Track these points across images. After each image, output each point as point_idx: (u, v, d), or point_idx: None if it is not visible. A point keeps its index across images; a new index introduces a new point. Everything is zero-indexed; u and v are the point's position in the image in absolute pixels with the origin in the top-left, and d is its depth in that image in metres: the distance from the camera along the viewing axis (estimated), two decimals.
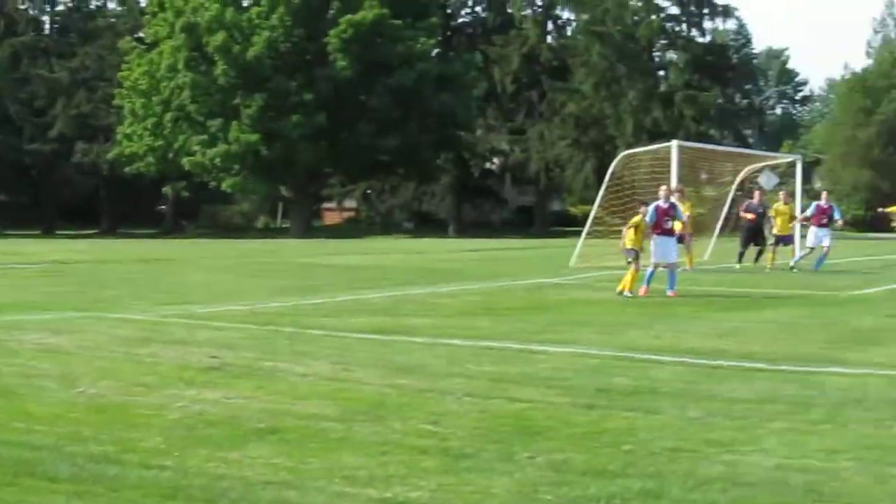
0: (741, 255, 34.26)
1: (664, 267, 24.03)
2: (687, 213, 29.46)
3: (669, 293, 23.48)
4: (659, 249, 24.07)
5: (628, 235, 24.08)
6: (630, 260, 23.95)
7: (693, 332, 17.31)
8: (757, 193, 36.91)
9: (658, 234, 24.10)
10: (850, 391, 11.83)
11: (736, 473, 8.38)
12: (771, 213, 34.63)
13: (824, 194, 35.20)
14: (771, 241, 34.27)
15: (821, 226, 33.56)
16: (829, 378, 12.75)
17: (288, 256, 44.36)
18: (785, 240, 34.14)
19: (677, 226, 24.45)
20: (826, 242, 33.18)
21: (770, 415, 10.57)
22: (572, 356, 14.50)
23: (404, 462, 8.66)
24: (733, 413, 10.67)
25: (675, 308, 21.28)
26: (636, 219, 24.06)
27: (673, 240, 24.55)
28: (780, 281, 28.70)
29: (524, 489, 7.95)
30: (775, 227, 34.24)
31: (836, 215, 34.73)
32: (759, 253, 33.83)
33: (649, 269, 24.00)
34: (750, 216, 34.38)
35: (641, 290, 23.46)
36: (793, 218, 34.84)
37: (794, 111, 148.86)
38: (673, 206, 24.65)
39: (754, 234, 34.35)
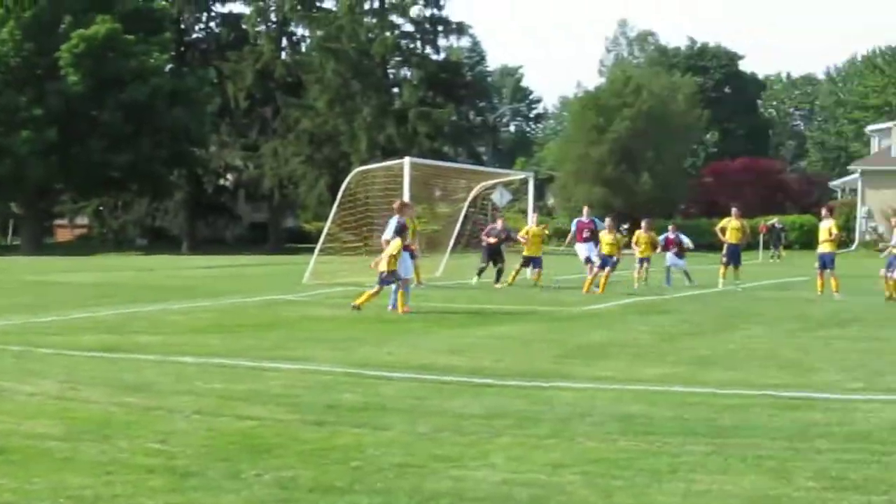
0: (481, 271, 34.74)
1: (399, 282, 24.09)
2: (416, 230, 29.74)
3: (393, 308, 23.65)
4: (402, 265, 24.19)
5: (389, 262, 23.93)
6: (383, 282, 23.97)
7: (425, 348, 17.39)
8: (500, 220, 37.44)
9: (403, 250, 24.25)
10: (578, 405, 12.03)
11: (463, 488, 8.39)
12: (522, 234, 34.90)
13: (585, 209, 35.73)
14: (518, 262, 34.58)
15: (584, 241, 34.13)
16: (558, 393, 12.96)
17: (18, 274, 42.91)
18: (534, 261, 34.45)
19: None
20: (584, 255, 33.77)
21: (498, 430, 10.66)
22: (303, 373, 14.39)
23: (131, 481, 8.42)
24: (462, 428, 10.72)
25: (408, 324, 21.36)
26: (398, 244, 24.04)
27: (407, 255, 24.75)
28: (513, 297, 29.16)
29: None
30: (526, 249, 34.53)
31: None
32: (499, 273, 34.19)
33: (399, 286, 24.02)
34: (492, 240, 34.87)
35: (404, 308, 23.57)
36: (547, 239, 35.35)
37: (528, 129, 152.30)
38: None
39: (495, 255, 34.78)
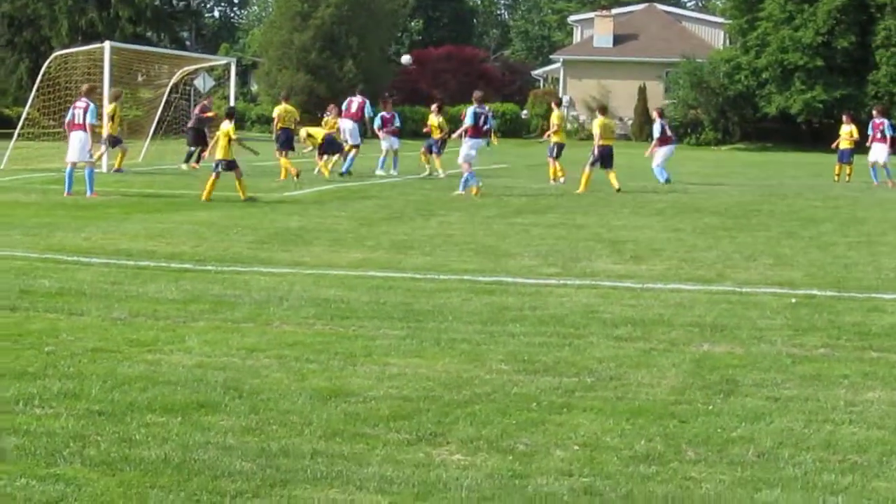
0: (190, 156, 34.47)
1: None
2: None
3: (91, 194, 23.26)
4: (82, 149, 23.69)
5: (221, 145, 23.39)
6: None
7: (123, 234, 17.12)
8: (203, 103, 37.00)
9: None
10: (275, 290, 12.08)
11: (157, 372, 8.36)
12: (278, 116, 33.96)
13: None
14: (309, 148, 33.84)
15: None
16: (255, 277, 12.99)
17: None
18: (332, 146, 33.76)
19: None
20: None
21: (194, 314, 10.64)
22: None
23: None
24: (158, 313, 10.65)
25: (106, 210, 20.93)
26: (229, 128, 23.58)
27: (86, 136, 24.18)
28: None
29: None
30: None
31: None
32: (199, 154, 33.83)
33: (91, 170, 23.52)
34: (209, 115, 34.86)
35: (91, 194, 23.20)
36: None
37: (233, 14, 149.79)
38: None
39: (201, 136, 34.42)
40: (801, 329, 10.52)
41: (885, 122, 34.32)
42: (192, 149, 34.87)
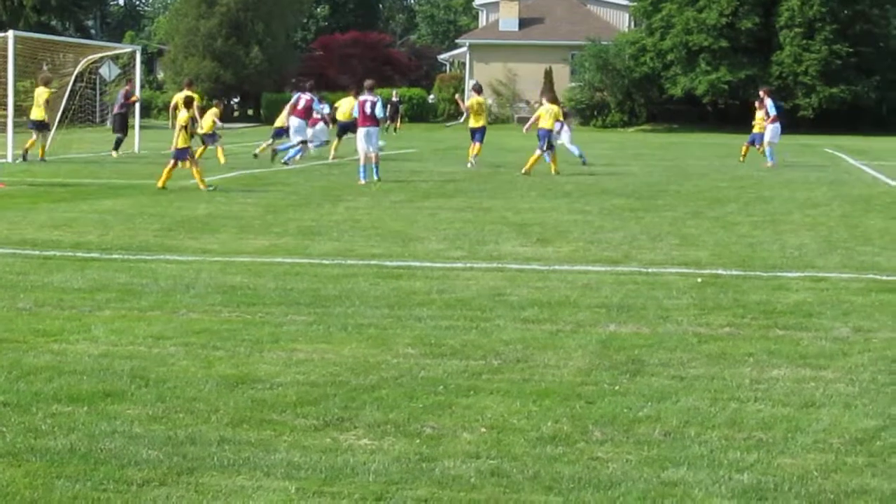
0: (119, 143, 35.17)
1: None
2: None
3: None
4: None
5: (182, 136, 23.28)
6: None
7: (28, 224, 16.91)
8: (126, 88, 37.18)
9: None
10: (182, 278, 12.01)
11: (63, 362, 8.28)
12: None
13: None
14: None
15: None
16: (162, 265, 12.89)
17: None
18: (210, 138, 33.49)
19: None
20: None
21: (100, 303, 10.54)
22: None
23: None
24: (64, 303, 10.55)
25: (10, 200, 20.63)
26: (186, 117, 23.49)
27: None
28: (119, 171, 28.59)
29: None
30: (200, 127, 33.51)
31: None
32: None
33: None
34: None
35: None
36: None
37: (138, 2, 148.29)
38: None
39: (126, 122, 35.01)
40: (706, 308, 10.66)
41: (769, 102, 34.88)
42: (120, 135, 35.23)
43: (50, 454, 6.24)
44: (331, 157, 33.33)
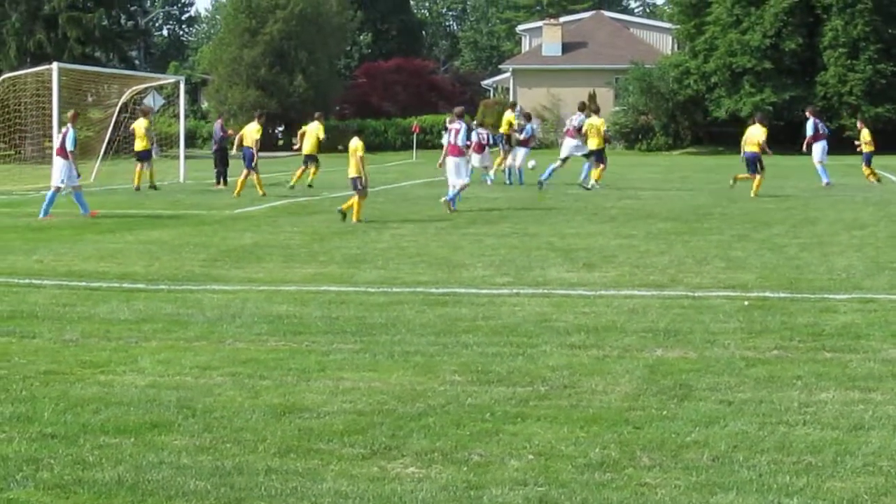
0: (220, 176, 34.68)
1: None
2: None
3: (44, 216, 23.11)
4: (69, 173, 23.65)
5: (353, 164, 22.73)
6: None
7: (75, 255, 17.02)
8: (219, 121, 37.25)
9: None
10: (228, 307, 12.04)
11: (110, 393, 8.32)
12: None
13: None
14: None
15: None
16: (208, 296, 12.93)
17: None
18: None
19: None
20: None
21: (147, 334, 10.59)
22: None
23: None
24: (110, 334, 10.60)
25: (58, 232, 20.81)
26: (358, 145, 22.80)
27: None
28: (165, 202, 28.76)
29: None
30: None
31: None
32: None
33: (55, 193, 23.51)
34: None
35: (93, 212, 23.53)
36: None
37: (182, 32, 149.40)
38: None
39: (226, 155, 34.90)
40: (754, 332, 10.58)
41: (810, 122, 35.02)
42: (219, 169, 34.88)
43: (97, 486, 6.26)
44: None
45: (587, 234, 19.88)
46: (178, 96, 43.03)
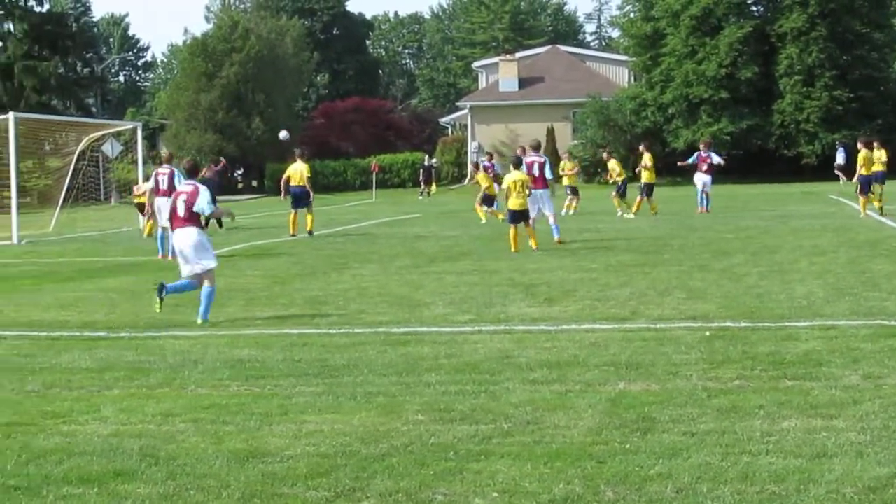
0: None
1: None
2: None
3: None
4: None
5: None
6: None
7: (35, 305, 16.94)
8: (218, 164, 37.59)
9: None
10: (190, 353, 12.01)
11: (73, 443, 8.28)
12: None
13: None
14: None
15: None
16: (169, 342, 12.90)
17: None
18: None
19: None
20: None
21: (109, 383, 10.55)
22: None
23: None
24: (72, 384, 10.55)
25: (16, 282, 20.70)
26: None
27: None
28: (125, 249, 28.65)
29: None
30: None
31: None
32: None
33: None
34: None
35: None
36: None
37: (138, 78, 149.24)
38: None
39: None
40: (715, 362, 10.63)
41: (711, 154, 38.25)
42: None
43: None
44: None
45: (548, 268, 19.92)
46: (136, 142, 42.96)
